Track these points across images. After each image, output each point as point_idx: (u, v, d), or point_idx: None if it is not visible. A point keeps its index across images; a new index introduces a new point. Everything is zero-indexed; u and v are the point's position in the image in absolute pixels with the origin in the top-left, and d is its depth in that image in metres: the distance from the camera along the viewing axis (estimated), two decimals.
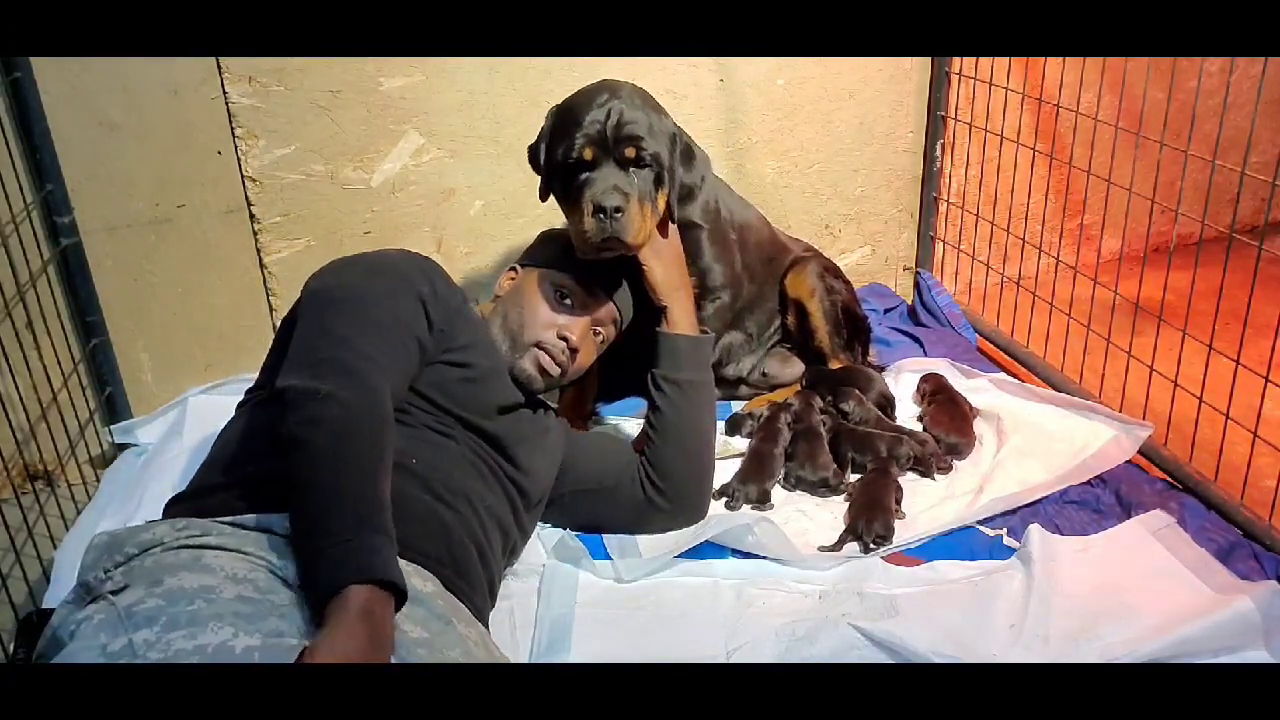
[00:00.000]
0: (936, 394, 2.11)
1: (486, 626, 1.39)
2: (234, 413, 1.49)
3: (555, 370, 1.62)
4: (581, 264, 1.69)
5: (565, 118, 1.73)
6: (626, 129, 1.69)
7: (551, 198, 1.81)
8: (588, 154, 1.69)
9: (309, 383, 1.21)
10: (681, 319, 1.74)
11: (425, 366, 1.45)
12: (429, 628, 1.18)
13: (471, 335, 1.52)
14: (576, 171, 1.71)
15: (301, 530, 1.14)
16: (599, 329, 1.71)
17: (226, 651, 0.99)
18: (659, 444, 1.69)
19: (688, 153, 1.84)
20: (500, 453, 1.53)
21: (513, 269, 1.77)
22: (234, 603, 1.04)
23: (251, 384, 1.53)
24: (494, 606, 1.48)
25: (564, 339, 1.63)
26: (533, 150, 1.83)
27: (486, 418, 1.51)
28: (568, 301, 1.66)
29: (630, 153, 1.70)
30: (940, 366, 2.26)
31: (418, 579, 1.25)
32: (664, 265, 1.74)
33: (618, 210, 1.64)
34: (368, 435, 1.20)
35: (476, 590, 1.38)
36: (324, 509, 1.12)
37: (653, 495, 1.69)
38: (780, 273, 2.22)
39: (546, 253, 1.77)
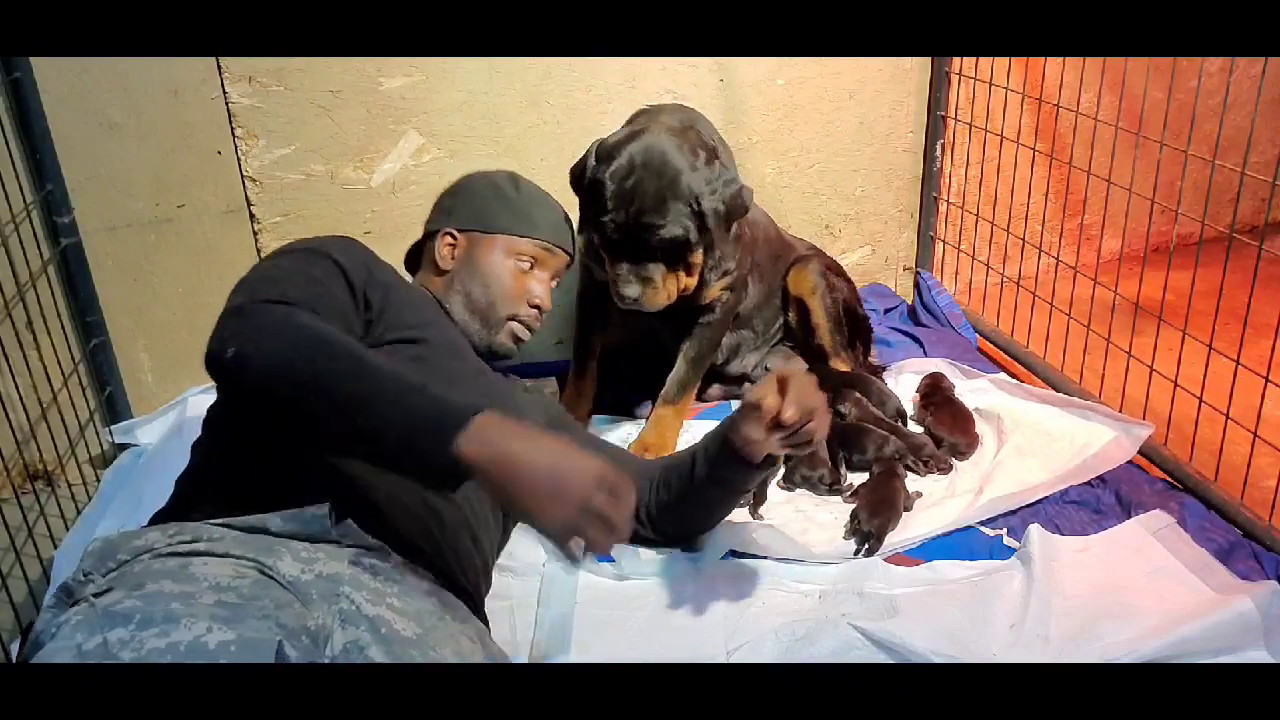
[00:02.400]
0: (932, 395, 2.11)
1: (484, 613, 1.39)
2: (200, 430, 1.42)
3: (528, 336, 1.66)
4: (528, 222, 1.68)
5: (595, 187, 1.81)
6: (645, 218, 1.77)
7: None
8: (615, 237, 1.80)
9: (215, 346, 1.15)
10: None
11: (376, 346, 1.36)
12: (423, 623, 1.17)
13: (416, 314, 1.45)
14: (605, 244, 1.84)
15: (366, 452, 1.12)
16: (558, 279, 1.75)
17: (200, 648, 0.96)
18: (680, 506, 1.63)
19: (734, 203, 1.85)
20: None
21: (449, 234, 1.66)
22: (212, 607, 1.03)
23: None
24: (490, 589, 1.47)
25: (535, 306, 1.65)
26: (576, 175, 1.90)
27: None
28: (528, 267, 1.65)
29: (651, 239, 1.79)
30: (940, 366, 2.26)
31: (413, 576, 1.24)
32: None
33: (636, 300, 1.82)
34: (293, 337, 1.15)
35: (471, 580, 1.38)
36: (356, 418, 1.08)
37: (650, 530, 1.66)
38: (785, 271, 2.23)
39: (481, 209, 1.67)
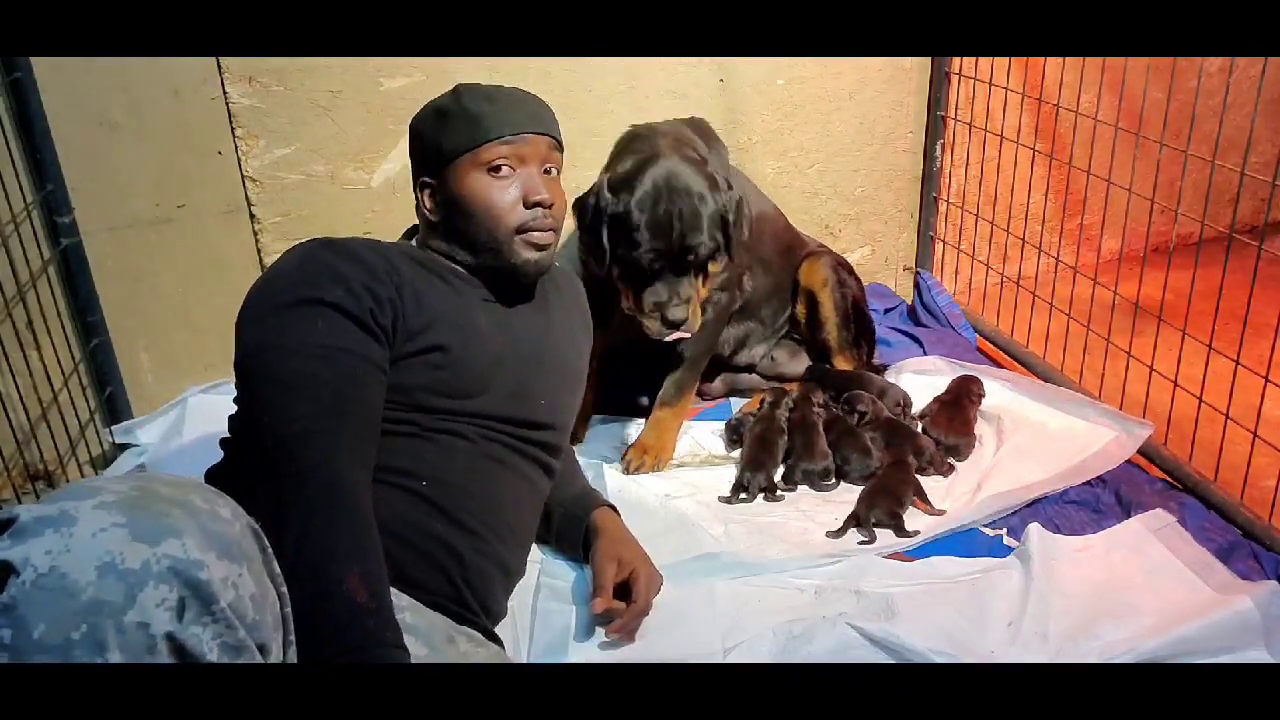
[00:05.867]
0: (942, 395, 2.11)
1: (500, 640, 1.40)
2: (222, 452, 1.38)
3: (549, 237, 1.44)
4: (478, 127, 1.42)
5: (621, 219, 1.78)
6: (689, 240, 1.76)
7: None
8: (655, 265, 1.77)
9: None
10: None
11: (397, 364, 1.29)
12: (431, 641, 1.19)
13: (424, 315, 1.32)
14: (640, 270, 1.78)
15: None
16: (548, 166, 1.46)
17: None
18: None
19: (739, 207, 1.86)
20: (517, 423, 1.41)
21: (424, 184, 1.45)
22: None
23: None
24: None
25: (536, 204, 1.41)
26: (585, 211, 1.83)
27: (486, 391, 1.37)
28: (505, 170, 1.41)
29: (692, 259, 1.78)
30: (940, 366, 2.27)
31: (418, 617, 1.25)
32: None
33: (684, 323, 1.77)
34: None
35: (492, 614, 1.39)
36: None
37: None
38: (796, 264, 2.25)
39: (435, 141, 1.43)
